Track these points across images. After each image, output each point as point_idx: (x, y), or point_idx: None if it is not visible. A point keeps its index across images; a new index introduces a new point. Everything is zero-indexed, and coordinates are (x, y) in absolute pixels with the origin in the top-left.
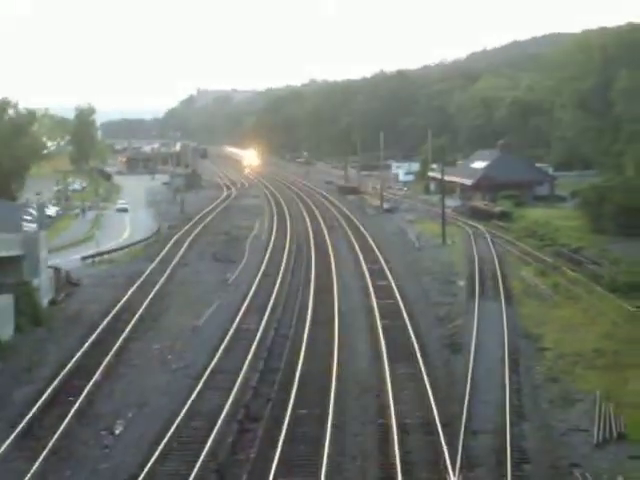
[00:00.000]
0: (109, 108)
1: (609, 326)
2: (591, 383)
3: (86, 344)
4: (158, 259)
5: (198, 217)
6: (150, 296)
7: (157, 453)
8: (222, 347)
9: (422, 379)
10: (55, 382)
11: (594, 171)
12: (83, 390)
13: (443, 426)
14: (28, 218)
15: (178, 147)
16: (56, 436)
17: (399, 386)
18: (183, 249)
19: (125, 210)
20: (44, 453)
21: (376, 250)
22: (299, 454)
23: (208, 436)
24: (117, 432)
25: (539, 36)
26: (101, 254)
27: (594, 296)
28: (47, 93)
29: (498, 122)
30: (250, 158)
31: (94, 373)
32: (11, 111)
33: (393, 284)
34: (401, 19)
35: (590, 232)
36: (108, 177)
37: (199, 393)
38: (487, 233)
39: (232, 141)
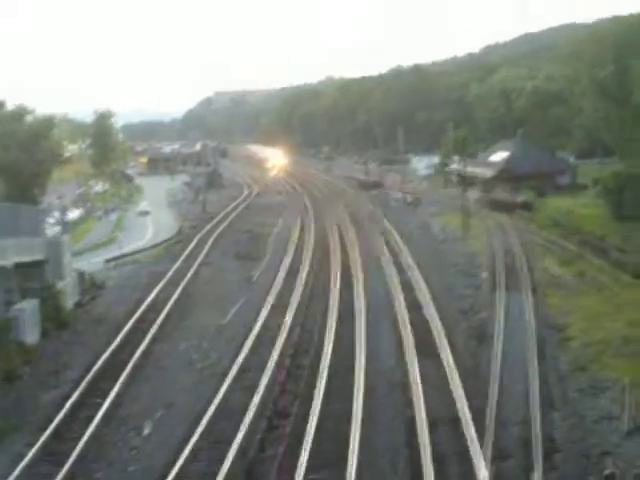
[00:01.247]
0: (128, 110)
1: (636, 313)
2: (619, 371)
3: (112, 346)
4: (181, 259)
5: (220, 216)
6: (175, 296)
7: (186, 453)
8: (248, 345)
9: (449, 371)
10: (82, 384)
11: (615, 158)
12: (110, 392)
13: (472, 417)
14: (51, 222)
15: (198, 147)
16: (84, 439)
17: (426, 378)
18: (206, 248)
19: (147, 213)
20: (73, 456)
21: (400, 243)
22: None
23: (236, 434)
24: (145, 433)
25: (552, 27)
26: (124, 256)
27: (619, 284)
28: (65, 98)
29: (518, 112)
30: (275, 157)
31: (121, 374)
32: (29, 117)
33: (418, 276)
34: (414, 14)
35: (612, 220)
36: (130, 179)
37: (226, 392)
38: (510, 224)
39: (251, 140)
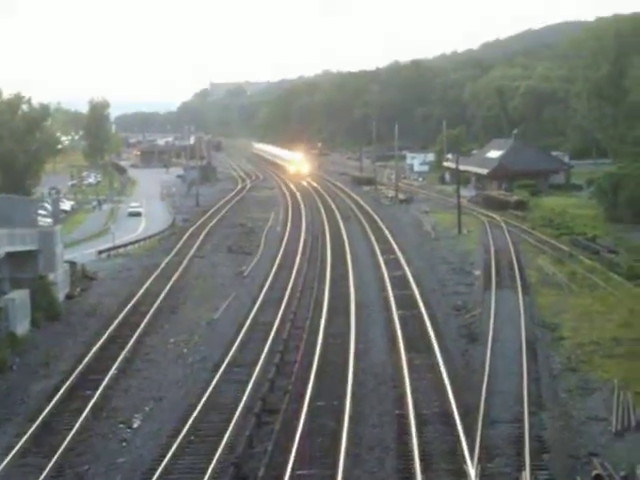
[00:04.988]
0: (122, 101)
1: (627, 314)
2: (610, 372)
3: (103, 338)
4: (174, 252)
5: (213, 210)
6: (166, 289)
7: (175, 446)
8: (238, 340)
9: (439, 369)
10: (72, 376)
11: (610, 159)
12: (100, 384)
13: (461, 416)
14: (43, 213)
15: (192, 140)
16: (73, 431)
17: (416, 376)
18: (199, 242)
19: (138, 214)
20: (62, 448)
21: (392, 241)
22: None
23: (225, 429)
24: (135, 426)
25: (553, 24)
26: (117, 248)
27: (611, 284)
28: (60, 87)
29: (513, 111)
30: (297, 163)
31: (111, 367)
32: (24, 106)
33: (409, 275)
34: (413, 8)
35: (606, 220)
36: (123, 171)
37: (216, 386)
38: (503, 223)
39: (247, 133)
